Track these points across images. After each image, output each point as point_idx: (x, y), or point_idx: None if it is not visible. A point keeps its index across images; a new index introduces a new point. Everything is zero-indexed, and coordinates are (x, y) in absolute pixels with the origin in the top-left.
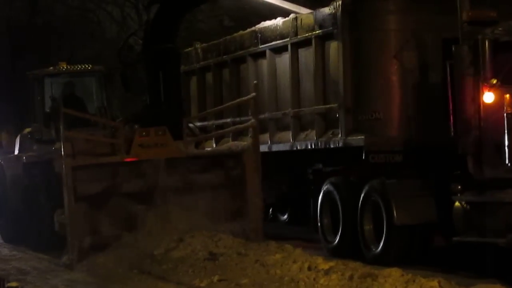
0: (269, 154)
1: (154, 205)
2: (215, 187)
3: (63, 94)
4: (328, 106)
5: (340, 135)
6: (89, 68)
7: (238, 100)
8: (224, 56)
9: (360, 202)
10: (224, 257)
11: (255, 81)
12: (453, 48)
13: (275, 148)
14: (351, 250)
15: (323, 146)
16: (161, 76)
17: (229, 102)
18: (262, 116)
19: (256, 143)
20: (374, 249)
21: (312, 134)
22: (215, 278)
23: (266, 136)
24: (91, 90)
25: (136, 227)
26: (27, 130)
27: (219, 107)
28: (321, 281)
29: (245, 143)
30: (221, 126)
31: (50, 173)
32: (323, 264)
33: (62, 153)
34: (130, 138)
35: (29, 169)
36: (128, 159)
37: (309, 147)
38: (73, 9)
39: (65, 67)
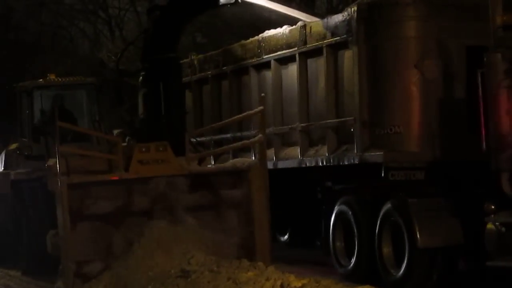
0: (272, 171)
1: (154, 225)
2: (219, 207)
3: (53, 107)
4: (341, 119)
5: (355, 150)
6: (80, 80)
7: (245, 113)
8: (224, 68)
9: (378, 223)
10: (196, 275)
11: (262, 94)
12: (484, 57)
13: (281, 165)
14: (368, 274)
15: (335, 163)
16: (161, 88)
17: (228, 116)
18: (266, 130)
19: (263, 160)
20: (394, 274)
21: (323, 149)
22: None
23: (270, 152)
24: (82, 103)
25: (135, 249)
26: (14, 145)
27: (224, 121)
28: None
29: (251, 159)
30: (220, 142)
31: (42, 192)
32: (295, 282)
33: (57, 170)
34: (129, 154)
35: (17, 187)
36: (127, 177)
37: (320, 164)
38: (46, 26)
39: (55, 79)
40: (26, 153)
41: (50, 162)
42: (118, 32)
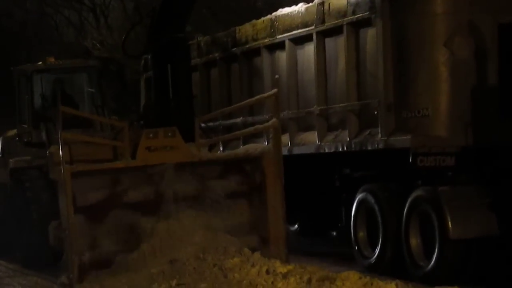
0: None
1: (163, 216)
2: (231, 196)
3: (55, 91)
4: (363, 102)
5: (379, 135)
6: (81, 63)
7: (257, 97)
8: (233, 49)
9: (405, 212)
10: (181, 261)
11: (276, 76)
12: None
13: (297, 151)
14: (393, 266)
15: (358, 148)
16: (169, 70)
17: (238, 101)
18: (281, 114)
19: (277, 145)
20: (423, 266)
21: (344, 134)
22: (173, 282)
23: (285, 138)
24: (83, 88)
25: (143, 241)
26: (12, 132)
27: (236, 105)
28: (279, 284)
29: (264, 145)
30: (229, 128)
31: (43, 181)
32: (281, 268)
33: (60, 157)
34: (136, 140)
35: (17, 175)
36: (134, 165)
37: (340, 150)
38: (31, 14)
39: (56, 62)
40: (25, 140)
41: (52, 149)
42: (103, 20)
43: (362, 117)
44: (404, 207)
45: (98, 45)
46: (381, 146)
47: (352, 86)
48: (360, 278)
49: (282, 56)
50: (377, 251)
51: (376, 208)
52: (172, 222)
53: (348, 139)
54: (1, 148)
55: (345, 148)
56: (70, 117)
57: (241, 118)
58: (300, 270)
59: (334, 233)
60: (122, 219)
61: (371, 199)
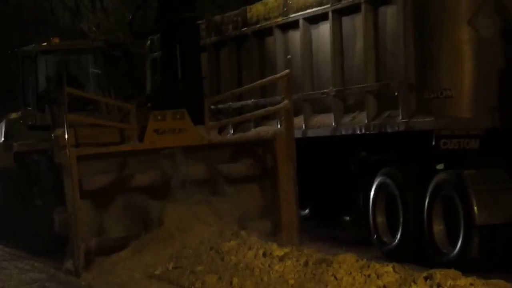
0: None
1: (171, 201)
2: (241, 180)
3: (60, 72)
4: (383, 83)
5: (400, 117)
6: (87, 44)
7: (269, 78)
8: (244, 29)
9: (427, 196)
10: (181, 245)
11: (288, 56)
12: None
13: (312, 133)
14: (414, 252)
15: (376, 131)
16: (178, 50)
17: (249, 82)
18: (294, 96)
19: (289, 128)
20: (447, 253)
21: (361, 116)
22: (170, 265)
23: (299, 120)
24: (88, 69)
25: (151, 226)
26: (15, 115)
27: (247, 86)
28: (276, 267)
29: (276, 128)
30: (239, 110)
31: (47, 165)
32: (278, 251)
33: (66, 141)
34: (143, 123)
35: (21, 159)
36: (142, 148)
37: (358, 132)
38: None
39: (61, 43)
40: (30, 123)
41: (57, 132)
42: (99, 3)
43: (381, 99)
44: (427, 192)
45: (94, 28)
46: (402, 128)
47: (371, 66)
48: (357, 261)
49: (296, 36)
50: (397, 237)
51: (397, 192)
52: (181, 207)
53: (366, 121)
54: (5, 131)
55: (363, 131)
56: (75, 99)
57: (252, 100)
58: (296, 253)
59: (347, 218)
60: (129, 204)
61: (391, 183)
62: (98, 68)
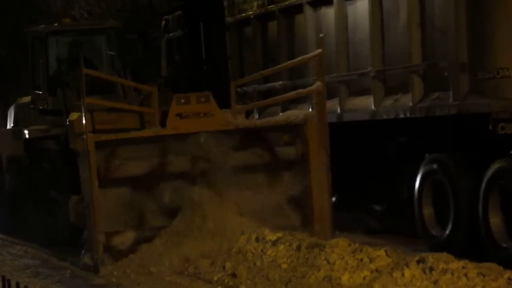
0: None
1: (195, 190)
2: (270, 167)
3: (70, 55)
4: (431, 62)
5: (451, 99)
6: (100, 23)
7: (300, 58)
8: (270, 6)
9: (482, 186)
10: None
11: (321, 35)
12: None
13: (348, 117)
14: (467, 246)
15: (423, 114)
16: (201, 28)
17: (276, 63)
18: (328, 78)
19: (322, 112)
20: (507, 248)
21: (406, 99)
22: (199, 262)
23: (334, 103)
24: (102, 51)
25: (173, 218)
26: (24, 99)
27: (276, 67)
28: (269, 252)
29: (307, 112)
30: (266, 92)
31: (61, 151)
32: (270, 235)
33: (83, 125)
34: (164, 107)
35: (32, 146)
36: (164, 133)
37: (402, 116)
38: None
39: (72, 23)
40: (41, 107)
41: (72, 116)
42: None
43: (428, 79)
44: (482, 181)
45: (86, 14)
46: (453, 111)
47: (416, 45)
48: (349, 245)
49: (329, 13)
50: (447, 230)
51: (446, 181)
52: (205, 197)
53: (411, 104)
54: (14, 117)
55: (407, 114)
56: (89, 82)
57: (279, 82)
58: (289, 237)
59: (378, 207)
60: (151, 193)
61: (439, 170)
62: (112, 49)
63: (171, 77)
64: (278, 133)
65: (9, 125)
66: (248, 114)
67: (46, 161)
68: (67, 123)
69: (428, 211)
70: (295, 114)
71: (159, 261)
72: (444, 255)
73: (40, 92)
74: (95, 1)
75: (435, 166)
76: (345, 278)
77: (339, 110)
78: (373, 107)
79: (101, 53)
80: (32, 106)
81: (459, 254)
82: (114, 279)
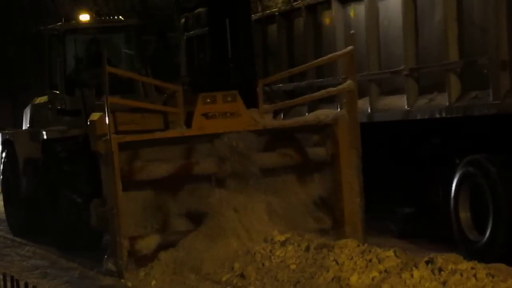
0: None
1: (222, 193)
2: (300, 169)
3: (89, 53)
4: (468, 60)
5: (490, 98)
6: (119, 21)
7: (330, 55)
8: (296, 3)
9: None
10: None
11: (351, 31)
12: None
13: (380, 117)
14: (507, 252)
15: (460, 114)
16: (227, 26)
17: (302, 62)
18: (358, 76)
19: (353, 111)
20: None
21: (441, 98)
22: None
23: (364, 103)
24: (121, 49)
25: (200, 221)
26: (41, 99)
27: (305, 65)
28: (277, 252)
29: (337, 111)
30: (291, 91)
31: (80, 153)
32: (279, 236)
33: (107, 126)
34: (189, 107)
35: (50, 148)
36: (190, 134)
37: (437, 116)
38: None
39: (90, 21)
40: (58, 108)
41: (94, 117)
42: None
43: (465, 78)
44: None
45: (94, 15)
46: (492, 111)
47: (453, 41)
48: (358, 245)
49: (359, 9)
50: (486, 235)
51: (485, 184)
52: (233, 201)
53: (447, 103)
54: (30, 117)
55: (443, 114)
56: (109, 81)
57: (305, 81)
58: (298, 238)
59: (406, 210)
60: (177, 196)
61: (478, 173)
62: (131, 47)
63: (195, 76)
64: (307, 133)
65: (25, 126)
66: (276, 114)
67: (65, 163)
68: (88, 123)
69: (465, 215)
70: (325, 113)
71: (184, 266)
72: (453, 256)
73: (58, 92)
74: (103, 1)
75: (473, 168)
76: (353, 279)
77: (369, 110)
78: (406, 107)
79: (119, 52)
80: (49, 106)
81: (498, 260)
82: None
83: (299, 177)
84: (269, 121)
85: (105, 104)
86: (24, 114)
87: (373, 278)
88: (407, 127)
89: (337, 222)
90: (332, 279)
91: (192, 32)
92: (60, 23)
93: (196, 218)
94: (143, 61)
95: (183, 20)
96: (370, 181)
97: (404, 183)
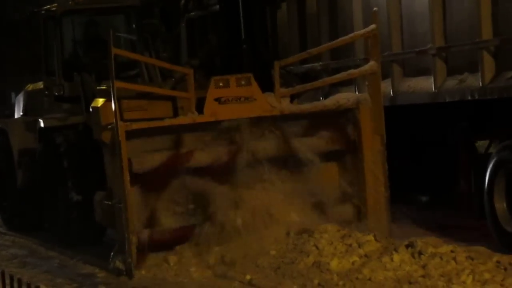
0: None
1: (238, 183)
2: (319, 157)
3: (87, 36)
4: (504, 38)
5: None
6: (118, 2)
7: (352, 34)
8: None
9: None
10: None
11: (375, 8)
12: None
13: (404, 100)
14: None
15: (495, 96)
16: (240, 4)
17: (315, 42)
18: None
19: (377, 94)
20: None
21: (473, 79)
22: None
23: (386, 85)
24: (120, 32)
25: (215, 215)
26: (36, 85)
27: (326, 44)
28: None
29: (359, 94)
30: (304, 75)
31: (81, 142)
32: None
33: (113, 112)
34: (199, 92)
35: (48, 137)
36: (203, 120)
37: (469, 98)
38: None
39: (88, 1)
40: (56, 94)
41: (97, 103)
42: None
43: (501, 57)
44: None
45: None
46: None
47: (486, 18)
48: (339, 230)
49: None
50: None
51: None
52: (249, 191)
53: (480, 84)
54: (24, 105)
55: (476, 96)
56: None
57: (319, 63)
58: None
59: (424, 199)
60: (189, 189)
61: None
62: (132, 29)
63: (206, 58)
64: (327, 118)
65: (18, 114)
66: (293, 98)
67: (64, 153)
68: (91, 110)
69: (501, 205)
70: (345, 97)
71: (196, 263)
72: (432, 239)
73: (54, 78)
74: None
75: (509, 154)
76: (334, 263)
77: (391, 93)
78: (433, 89)
79: (120, 34)
80: (46, 93)
81: None
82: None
83: (318, 166)
84: (286, 106)
85: (112, 89)
86: (16, 101)
87: (353, 263)
88: (436, 110)
89: (360, 213)
90: (313, 264)
91: (193, 13)
92: (56, 4)
93: (207, 211)
94: (146, 44)
95: (182, 1)
96: (394, 168)
97: (433, 171)
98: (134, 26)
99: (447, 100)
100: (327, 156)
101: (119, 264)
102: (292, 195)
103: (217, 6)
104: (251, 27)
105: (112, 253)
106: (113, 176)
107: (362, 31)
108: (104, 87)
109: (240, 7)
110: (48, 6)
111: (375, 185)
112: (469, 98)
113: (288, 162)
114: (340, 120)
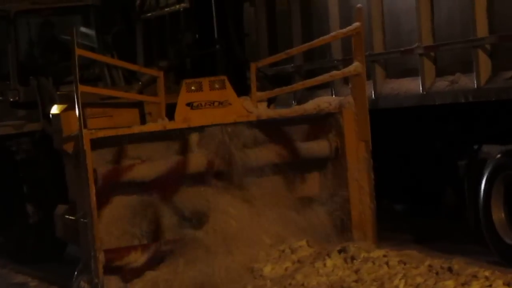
0: None
1: (212, 194)
2: (299, 166)
3: (43, 37)
4: (500, 35)
5: None
6: (77, 1)
7: (335, 33)
8: None
9: None
10: None
11: (358, 5)
12: None
13: (387, 103)
14: None
15: (492, 98)
16: (213, 2)
17: (299, 41)
18: None
19: (362, 97)
20: None
21: (466, 80)
22: None
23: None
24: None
25: (190, 229)
26: None
27: (307, 44)
28: None
29: (342, 97)
30: (273, 77)
31: (39, 152)
32: None
33: (78, 119)
34: (168, 96)
35: (2, 145)
36: (174, 127)
37: (462, 100)
38: None
39: (43, 1)
40: (11, 100)
41: (56, 109)
42: None
43: (497, 56)
44: None
45: None
46: None
47: (481, 13)
48: None
49: None
50: None
51: None
52: (224, 201)
53: (475, 86)
54: None
55: (470, 99)
56: (68, 68)
57: (291, 65)
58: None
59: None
60: (159, 201)
61: None
62: (91, 30)
63: (176, 59)
64: (307, 124)
65: None
66: (270, 102)
67: (19, 163)
68: (51, 117)
69: (498, 215)
70: (327, 100)
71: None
72: (365, 244)
73: (9, 82)
74: None
75: (508, 160)
76: (267, 269)
77: (373, 95)
78: (421, 91)
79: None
80: (0, 98)
81: None
82: None
83: (297, 176)
84: (263, 111)
85: (76, 94)
86: None
87: (286, 269)
88: (422, 114)
89: (344, 226)
90: (246, 270)
91: (150, 14)
92: (9, 4)
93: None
94: (106, 45)
95: (138, 1)
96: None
97: (419, 179)
98: (94, 26)
99: (437, 103)
100: (308, 164)
101: (83, 284)
102: (271, 206)
103: (176, 6)
104: (225, 26)
105: (75, 272)
106: (76, 189)
107: (345, 29)
108: (65, 92)
109: (213, 3)
110: (1, 6)
111: (360, 195)
112: (463, 100)
113: (266, 169)
114: (322, 125)
